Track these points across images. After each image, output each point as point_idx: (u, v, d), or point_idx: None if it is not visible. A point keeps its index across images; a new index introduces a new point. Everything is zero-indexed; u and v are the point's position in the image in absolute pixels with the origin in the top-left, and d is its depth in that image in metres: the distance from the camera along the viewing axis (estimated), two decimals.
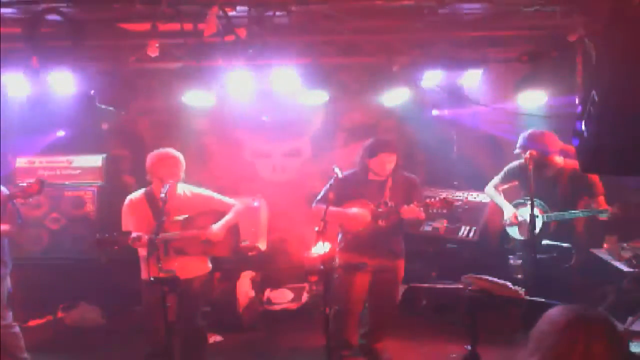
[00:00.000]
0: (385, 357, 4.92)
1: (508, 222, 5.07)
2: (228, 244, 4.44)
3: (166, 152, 4.38)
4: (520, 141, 4.93)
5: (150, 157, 4.38)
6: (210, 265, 4.49)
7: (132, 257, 4.32)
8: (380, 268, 4.64)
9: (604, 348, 1.75)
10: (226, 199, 4.57)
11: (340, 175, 4.44)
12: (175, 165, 4.34)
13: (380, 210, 4.58)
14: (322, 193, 4.72)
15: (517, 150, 4.95)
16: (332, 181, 4.50)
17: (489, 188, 5.33)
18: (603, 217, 4.69)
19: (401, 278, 4.81)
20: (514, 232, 5.10)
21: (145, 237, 4.03)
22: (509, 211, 5.08)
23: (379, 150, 4.66)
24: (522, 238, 5.02)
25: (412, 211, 4.51)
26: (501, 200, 5.18)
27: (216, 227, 4.35)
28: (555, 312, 1.89)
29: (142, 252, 4.22)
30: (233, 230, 4.48)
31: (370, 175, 4.73)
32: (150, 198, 4.31)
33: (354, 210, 4.61)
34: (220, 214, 4.44)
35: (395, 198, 4.63)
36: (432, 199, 4.60)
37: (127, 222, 4.29)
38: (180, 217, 4.24)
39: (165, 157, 4.35)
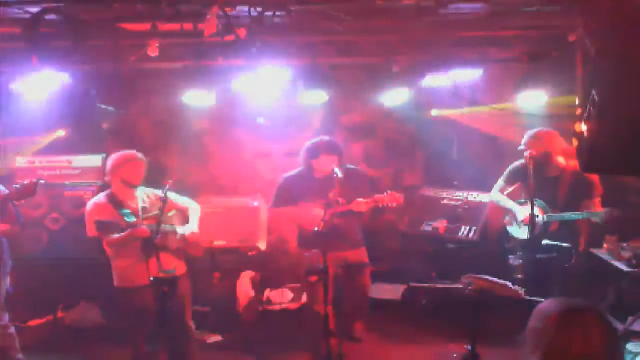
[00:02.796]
0: (357, 335, 5.02)
1: (523, 224, 4.87)
2: (201, 244, 4.47)
3: (132, 154, 4.37)
4: (524, 139, 4.90)
5: (114, 159, 4.35)
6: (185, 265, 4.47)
7: None
8: (346, 261, 4.78)
9: (602, 335, 1.75)
10: (184, 200, 4.54)
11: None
12: (141, 168, 4.35)
13: (334, 209, 4.58)
14: (274, 197, 4.90)
15: (521, 147, 4.90)
16: (281, 183, 4.57)
17: (495, 194, 5.20)
18: (595, 219, 4.66)
19: (368, 266, 4.95)
20: (515, 232, 5.07)
21: (144, 227, 4.04)
22: (524, 212, 4.86)
23: (320, 152, 4.82)
24: (523, 238, 4.98)
25: (362, 205, 4.69)
26: (511, 204, 5.04)
27: (193, 226, 4.39)
28: (546, 307, 1.90)
29: (117, 258, 4.24)
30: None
31: (316, 173, 4.84)
32: (114, 201, 4.27)
33: (308, 211, 4.71)
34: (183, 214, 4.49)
35: (346, 193, 4.66)
36: (385, 194, 4.73)
37: (93, 227, 4.17)
38: (152, 214, 4.21)
39: (131, 159, 4.33)
